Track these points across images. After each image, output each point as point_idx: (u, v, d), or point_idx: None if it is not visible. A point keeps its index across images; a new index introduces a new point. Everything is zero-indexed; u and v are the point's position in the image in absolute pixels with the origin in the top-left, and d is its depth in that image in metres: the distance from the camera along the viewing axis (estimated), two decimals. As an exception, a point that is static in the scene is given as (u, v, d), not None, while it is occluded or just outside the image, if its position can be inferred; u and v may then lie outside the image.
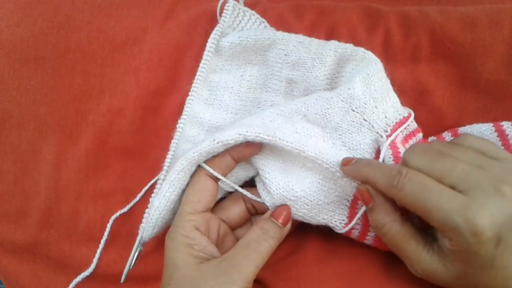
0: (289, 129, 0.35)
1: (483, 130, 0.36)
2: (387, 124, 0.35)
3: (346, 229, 0.35)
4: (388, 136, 0.34)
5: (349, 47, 0.36)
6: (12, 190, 0.40)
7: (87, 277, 0.38)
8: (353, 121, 0.35)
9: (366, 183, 0.31)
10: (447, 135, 0.38)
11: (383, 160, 0.34)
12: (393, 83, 0.36)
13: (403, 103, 0.37)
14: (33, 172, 0.40)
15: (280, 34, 0.38)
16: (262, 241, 0.31)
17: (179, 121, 0.38)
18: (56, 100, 0.41)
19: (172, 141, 0.37)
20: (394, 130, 0.35)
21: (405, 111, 0.36)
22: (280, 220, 0.33)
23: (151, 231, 0.34)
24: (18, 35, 0.40)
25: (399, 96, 0.36)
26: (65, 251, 0.39)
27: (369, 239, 0.35)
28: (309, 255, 0.37)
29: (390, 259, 0.35)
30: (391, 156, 0.33)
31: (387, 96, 0.35)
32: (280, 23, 0.42)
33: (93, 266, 0.38)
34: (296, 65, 0.37)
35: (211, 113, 0.40)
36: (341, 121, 0.35)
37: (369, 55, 0.36)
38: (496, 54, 0.38)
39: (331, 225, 0.35)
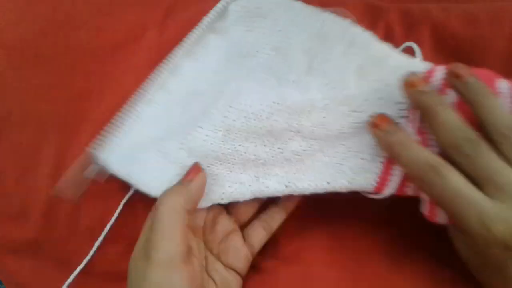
0: (277, 165, 0.33)
1: None
2: (400, 110, 0.30)
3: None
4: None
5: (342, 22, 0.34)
6: (13, 189, 0.40)
7: (87, 274, 0.38)
8: (356, 123, 0.32)
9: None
10: None
11: None
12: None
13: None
14: (34, 170, 0.40)
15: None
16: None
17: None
18: (57, 98, 0.41)
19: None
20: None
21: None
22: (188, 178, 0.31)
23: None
24: (18, 34, 0.40)
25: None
26: (66, 250, 0.39)
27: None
28: (315, 242, 0.36)
29: (394, 252, 0.34)
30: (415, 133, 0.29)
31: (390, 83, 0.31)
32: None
33: (88, 257, 0.38)
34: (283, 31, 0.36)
35: (191, 66, 0.39)
36: (341, 126, 0.32)
37: (356, 31, 0.33)
38: (497, 51, 0.38)
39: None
